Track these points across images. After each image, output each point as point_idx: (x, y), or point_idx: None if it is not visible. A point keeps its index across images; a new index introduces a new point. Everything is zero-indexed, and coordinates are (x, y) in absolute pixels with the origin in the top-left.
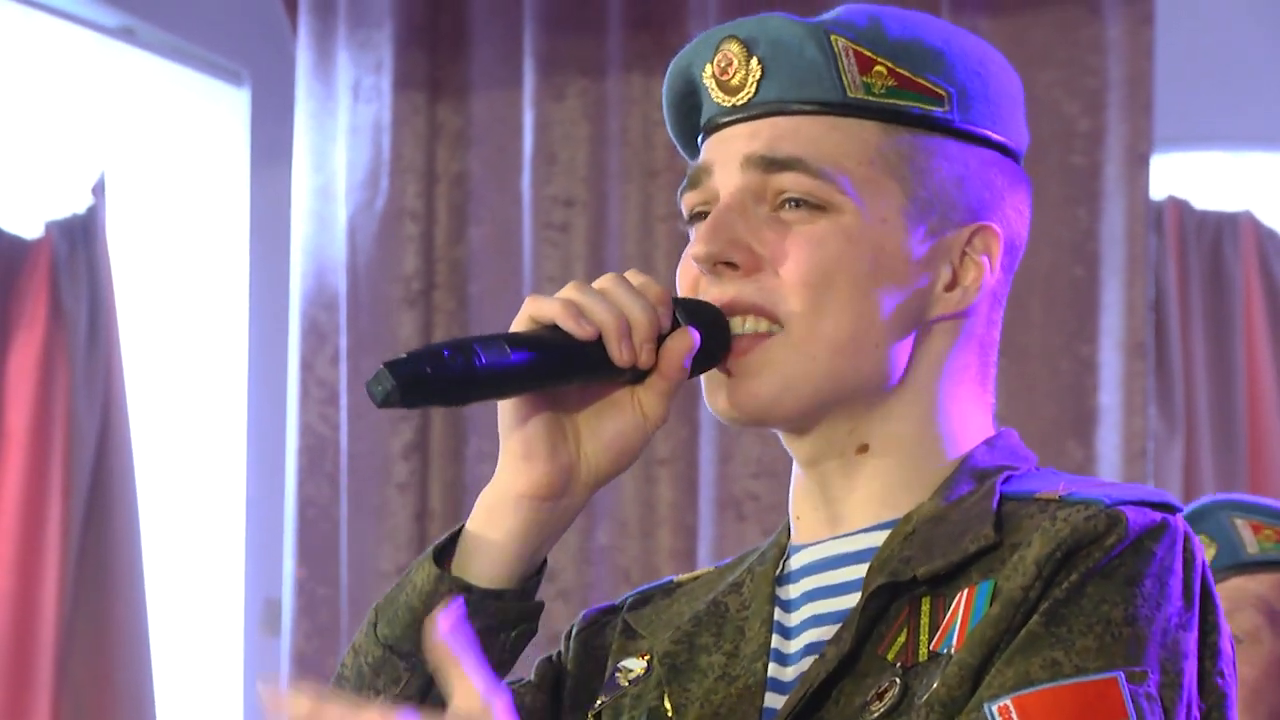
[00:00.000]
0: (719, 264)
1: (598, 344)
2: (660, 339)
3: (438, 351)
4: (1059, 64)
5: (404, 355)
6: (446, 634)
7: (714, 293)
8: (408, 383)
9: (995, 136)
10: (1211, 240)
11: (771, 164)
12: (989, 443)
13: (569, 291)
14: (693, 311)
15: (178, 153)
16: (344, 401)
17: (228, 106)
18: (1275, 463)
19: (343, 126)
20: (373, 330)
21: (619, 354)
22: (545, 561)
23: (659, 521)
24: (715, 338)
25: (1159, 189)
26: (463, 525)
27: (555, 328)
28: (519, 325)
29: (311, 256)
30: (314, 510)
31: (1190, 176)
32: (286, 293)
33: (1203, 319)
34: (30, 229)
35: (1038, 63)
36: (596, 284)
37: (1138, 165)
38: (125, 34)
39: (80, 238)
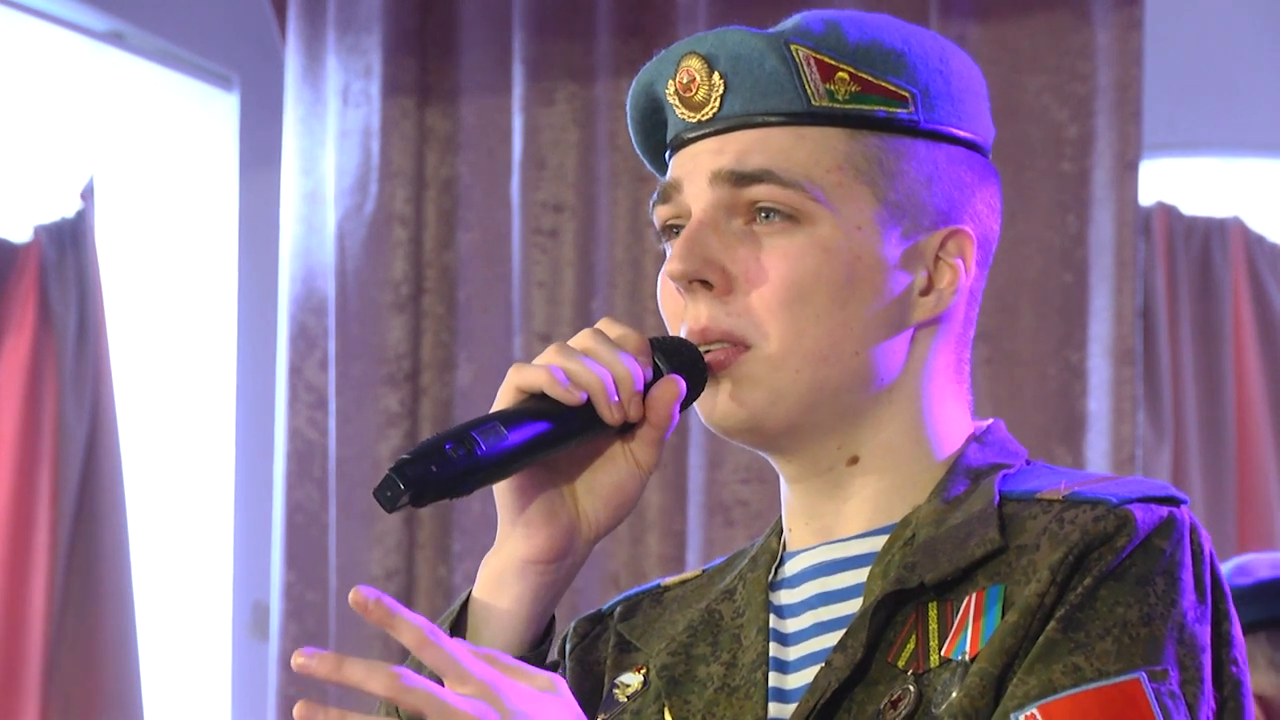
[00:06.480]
0: (693, 282)
1: (587, 406)
2: (646, 387)
3: (439, 448)
4: (1048, 70)
5: (407, 457)
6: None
7: (690, 313)
8: (417, 487)
9: (962, 134)
10: (1200, 246)
11: (741, 178)
12: (979, 439)
13: (551, 356)
14: (670, 353)
15: (167, 157)
16: (332, 406)
17: (217, 111)
18: (1263, 468)
19: (332, 131)
20: (361, 335)
21: (609, 414)
22: (554, 619)
23: (647, 527)
24: (695, 376)
25: (1148, 195)
26: (469, 594)
27: (543, 396)
28: (505, 396)
29: (300, 261)
30: (302, 515)
31: (1179, 182)
32: (275, 297)
33: (1191, 325)
34: (19, 233)
35: (1027, 69)
36: (575, 342)
37: (1127, 171)
38: (114, 38)
39: (69, 242)
